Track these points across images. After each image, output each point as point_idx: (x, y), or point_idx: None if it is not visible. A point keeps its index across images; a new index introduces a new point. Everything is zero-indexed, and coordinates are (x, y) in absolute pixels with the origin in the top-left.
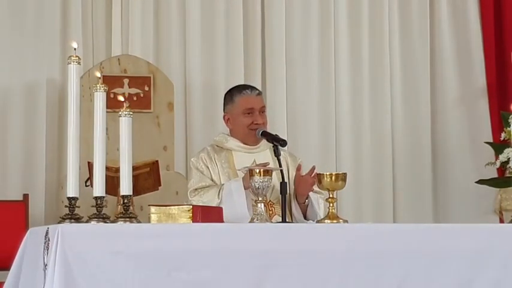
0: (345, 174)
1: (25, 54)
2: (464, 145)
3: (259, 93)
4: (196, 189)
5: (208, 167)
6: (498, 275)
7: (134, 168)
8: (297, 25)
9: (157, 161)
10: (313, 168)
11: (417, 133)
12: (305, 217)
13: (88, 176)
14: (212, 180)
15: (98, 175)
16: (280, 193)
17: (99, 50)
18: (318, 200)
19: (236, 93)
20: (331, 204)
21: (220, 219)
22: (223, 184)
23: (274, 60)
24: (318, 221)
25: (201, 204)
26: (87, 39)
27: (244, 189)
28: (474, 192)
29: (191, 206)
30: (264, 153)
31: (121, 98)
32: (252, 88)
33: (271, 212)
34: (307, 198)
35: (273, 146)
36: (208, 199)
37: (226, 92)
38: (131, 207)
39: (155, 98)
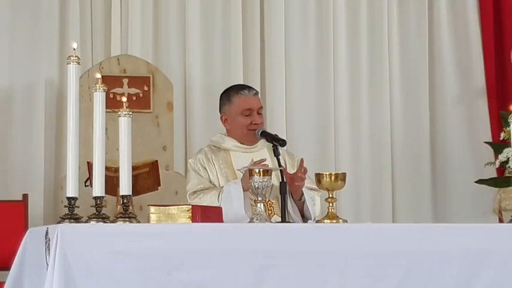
0: (344, 174)
1: (23, 54)
2: (464, 145)
3: (256, 93)
4: (195, 191)
5: (206, 168)
6: (498, 275)
7: (134, 168)
8: (296, 26)
9: (156, 161)
10: (302, 161)
11: (416, 133)
12: (302, 215)
13: (87, 176)
14: (210, 181)
15: (97, 175)
16: (280, 193)
17: (98, 50)
18: (313, 197)
19: (233, 93)
20: (330, 204)
21: (219, 219)
22: (222, 187)
23: (273, 60)
24: (317, 221)
25: None
26: (86, 39)
27: (244, 190)
28: (473, 192)
29: (190, 206)
30: (261, 152)
31: (124, 99)
32: (249, 88)
33: (270, 212)
34: (303, 195)
35: (272, 146)
36: (207, 202)
37: (222, 92)
38: (131, 207)
39: (154, 98)
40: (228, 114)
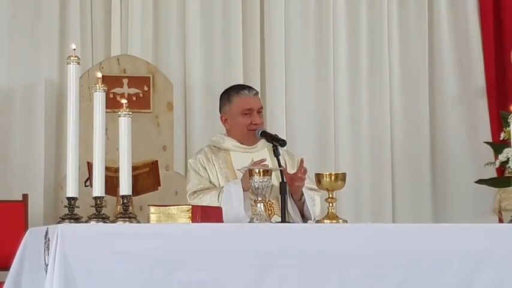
0: (344, 174)
1: (23, 54)
2: (464, 145)
3: (257, 93)
4: (195, 191)
5: (206, 168)
6: (498, 275)
7: (134, 168)
8: (296, 26)
9: (156, 161)
10: (301, 161)
11: (416, 133)
12: (302, 215)
13: (87, 176)
14: (210, 181)
15: (97, 175)
16: (280, 193)
17: (99, 50)
18: (313, 198)
19: (233, 93)
20: (330, 204)
21: (219, 219)
22: (222, 187)
23: (273, 60)
24: (317, 221)
25: None
26: (86, 39)
27: (244, 190)
28: (473, 192)
29: (190, 206)
30: (261, 152)
31: (123, 101)
32: (250, 88)
33: (270, 212)
34: (303, 195)
35: (272, 146)
36: (207, 202)
37: (222, 92)
38: (131, 207)
39: (154, 98)
40: (228, 114)
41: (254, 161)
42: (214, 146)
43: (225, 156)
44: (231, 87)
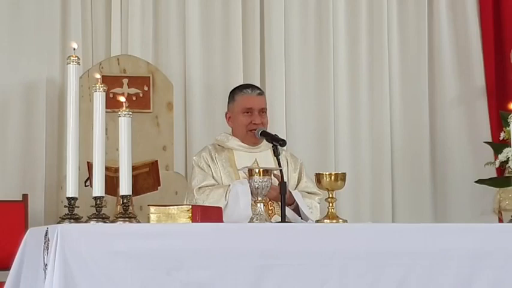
0: (344, 174)
1: (25, 53)
2: (464, 145)
3: (260, 93)
4: (200, 187)
5: (209, 166)
6: (498, 275)
7: (133, 168)
8: (296, 26)
9: (156, 161)
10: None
11: (416, 133)
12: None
13: (87, 176)
14: (213, 179)
15: (97, 175)
16: (280, 193)
17: (99, 50)
18: (312, 204)
19: (238, 91)
20: (330, 204)
21: (219, 219)
22: (229, 185)
23: (273, 60)
24: (317, 221)
25: (207, 203)
26: (87, 39)
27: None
28: (473, 191)
29: (190, 206)
30: (265, 153)
31: (122, 99)
32: (253, 88)
33: (270, 212)
34: (291, 204)
35: (272, 146)
36: (214, 199)
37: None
38: (130, 207)
39: (154, 98)
40: (231, 112)
41: (258, 165)
42: (219, 145)
43: (229, 156)
44: (239, 85)
